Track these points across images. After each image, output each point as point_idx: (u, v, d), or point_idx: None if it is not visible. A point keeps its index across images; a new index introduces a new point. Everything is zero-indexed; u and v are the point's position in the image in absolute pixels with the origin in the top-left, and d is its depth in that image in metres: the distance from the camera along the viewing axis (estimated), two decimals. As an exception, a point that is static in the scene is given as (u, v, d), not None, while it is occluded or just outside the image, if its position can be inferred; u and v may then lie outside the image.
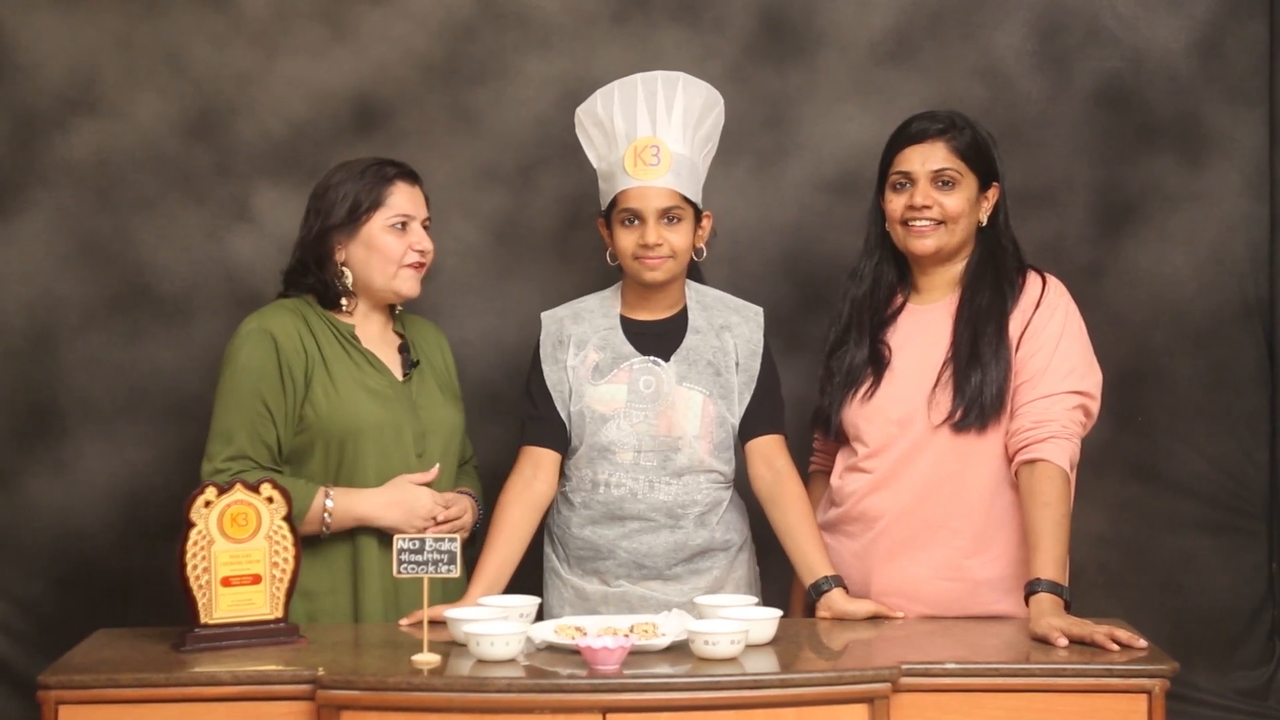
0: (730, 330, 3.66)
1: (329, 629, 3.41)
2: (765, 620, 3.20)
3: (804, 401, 4.17)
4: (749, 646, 3.11)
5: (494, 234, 4.27)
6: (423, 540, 3.16)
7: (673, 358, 3.63)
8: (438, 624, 3.23)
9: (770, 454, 3.65)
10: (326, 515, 3.45)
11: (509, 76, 4.24)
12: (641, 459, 3.59)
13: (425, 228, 3.62)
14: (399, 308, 3.69)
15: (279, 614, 3.26)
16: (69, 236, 4.21)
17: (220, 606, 3.22)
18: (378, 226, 3.54)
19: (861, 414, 3.58)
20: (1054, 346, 3.46)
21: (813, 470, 3.83)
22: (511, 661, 3.06)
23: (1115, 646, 3.12)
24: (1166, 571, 4.25)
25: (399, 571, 3.16)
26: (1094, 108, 4.24)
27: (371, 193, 3.55)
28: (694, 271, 3.76)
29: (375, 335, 3.62)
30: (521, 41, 4.24)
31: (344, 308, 3.58)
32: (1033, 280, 3.54)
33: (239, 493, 3.23)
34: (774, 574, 3.79)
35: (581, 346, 3.67)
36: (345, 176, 3.58)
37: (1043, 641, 3.18)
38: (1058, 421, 3.40)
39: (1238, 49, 4.25)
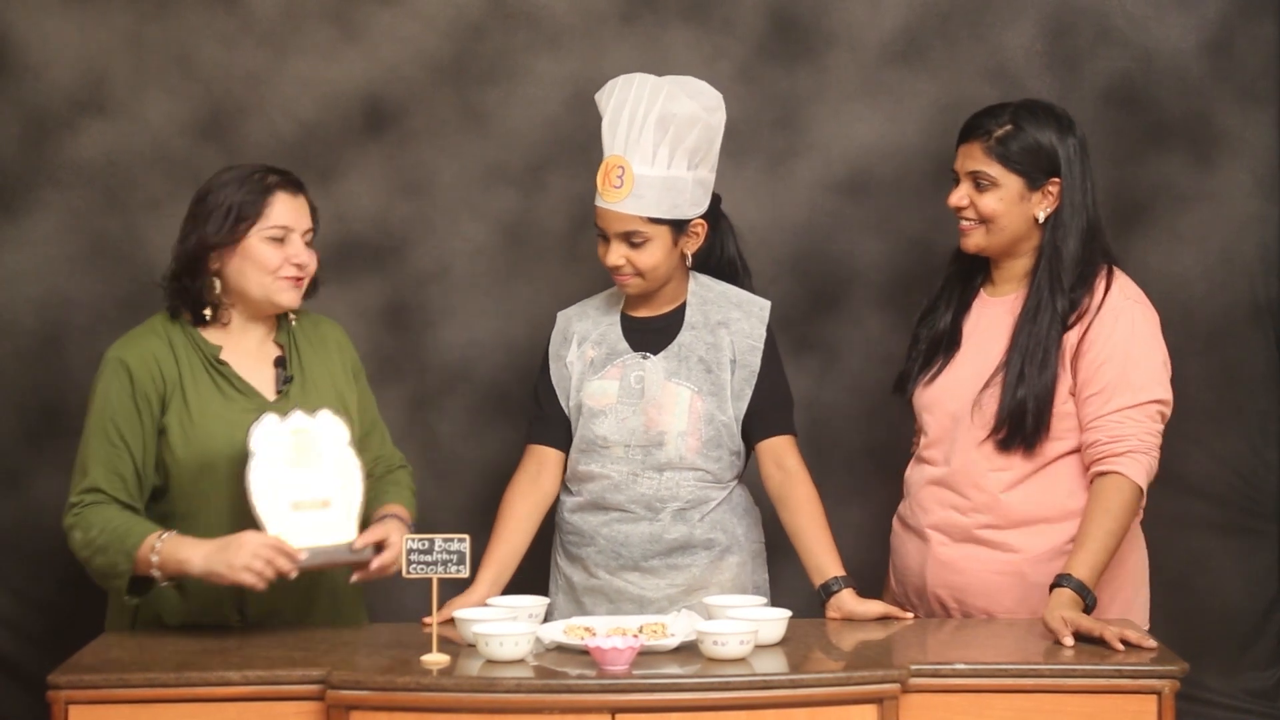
0: (727, 326, 3.65)
1: (338, 629, 3.41)
2: (774, 621, 3.20)
3: (813, 403, 4.17)
4: (758, 647, 3.11)
5: (503, 234, 4.27)
6: (432, 540, 3.16)
7: (664, 353, 3.63)
8: (447, 624, 3.23)
9: (780, 455, 3.64)
10: (154, 555, 3.28)
11: (518, 76, 4.24)
12: (629, 453, 3.61)
13: (307, 241, 3.47)
14: (291, 316, 3.54)
15: (351, 535, 3.35)
16: (79, 237, 4.21)
17: (290, 530, 3.29)
18: (255, 238, 3.40)
19: (924, 400, 3.60)
20: (1124, 355, 3.43)
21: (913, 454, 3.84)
22: (520, 662, 3.06)
23: (1122, 647, 3.12)
24: (1176, 572, 4.23)
25: (408, 571, 3.16)
26: (1104, 107, 4.24)
27: (251, 203, 3.41)
28: (729, 268, 3.75)
29: (250, 350, 3.48)
30: (531, 41, 4.24)
31: (207, 320, 3.44)
32: (1098, 283, 3.50)
33: (300, 420, 3.35)
34: (790, 579, 3.79)
35: (582, 342, 3.68)
36: (227, 182, 3.45)
37: (1055, 640, 3.18)
38: (1135, 436, 3.39)
39: (1248, 49, 4.24)
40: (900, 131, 4.25)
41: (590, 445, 3.63)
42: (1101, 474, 3.39)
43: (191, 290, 3.44)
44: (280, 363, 3.50)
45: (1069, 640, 3.16)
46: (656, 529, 3.61)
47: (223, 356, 3.45)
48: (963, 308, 3.64)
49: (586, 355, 3.67)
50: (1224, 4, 4.23)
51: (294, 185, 3.48)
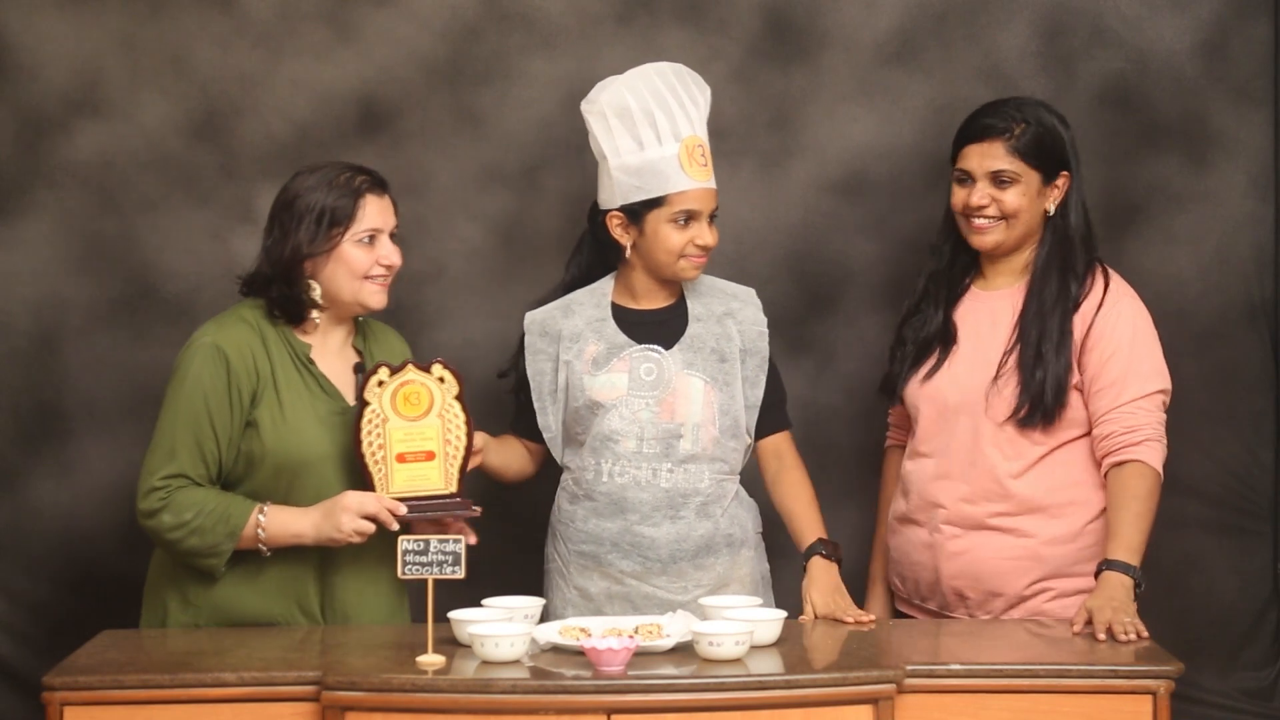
0: (733, 316, 3.68)
1: (333, 630, 3.41)
2: (770, 621, 3.20)
3: (808, 404, 4.17)
4: (754, 647, 3.11)
5: (498, 235, 4.26)
6: (427, 541, 3.16)
7: (677, 345, 3.64)
8: (443, 624, 3.23)
9: (780, 450, 3.72)
10: (260, 530, 3.35)
11: (513, 77, 4.24)
12: (644, 446, 3.60)
13: (393, 237, 3.51)
14: (362, 318, 3.59)
15: (453, 489, 3.44)
16: (73, 238, 4.21)
17: (395, 482, 3.39)
18: (347, 241, 3.44)
19: (922, 395, 3.62)
20: (1129, 349, 3.52)
21: (888, 445, 3.89)
22: (516, 663, 3.06)
23: (1103, 637, 3.16)
24: (1172, 572, 4.24)
25: (404, 572, 3.16)
26: (1098, 108, 4.24)
27: (342, 208, 3.43)
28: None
29: (333, 352, 3.52)
30: (526, 42, 4.24)
31: (314, 319, 3.48)
32: (1097, 278, 3.59)
33: (410, 373, 3.42)
34: (790, 578, 3.79)
35: (576, 339, 3.68)
36: (314, 185, 3.46)
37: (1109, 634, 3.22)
38: (1149, 425, 3.50)
39: (1243, 49, 4.25)
40: (895, 132, 4.25)
41: (603, 442, 3.63)
42: (1120, 463, 3.46)
43: (290, 296, 3.46)
44: (359, 369, 3.53)
45: (1101, 636, 3.21)
46: (682, 528, 3.61)
47: (311, 356, 3.49)
48: (952, 304, 3.67)
49: (587, 353, 3.67)
50: (1218, 5, 4.24)
51: (380, 185, 3.51)
